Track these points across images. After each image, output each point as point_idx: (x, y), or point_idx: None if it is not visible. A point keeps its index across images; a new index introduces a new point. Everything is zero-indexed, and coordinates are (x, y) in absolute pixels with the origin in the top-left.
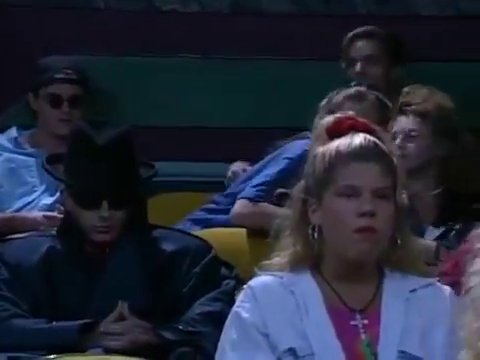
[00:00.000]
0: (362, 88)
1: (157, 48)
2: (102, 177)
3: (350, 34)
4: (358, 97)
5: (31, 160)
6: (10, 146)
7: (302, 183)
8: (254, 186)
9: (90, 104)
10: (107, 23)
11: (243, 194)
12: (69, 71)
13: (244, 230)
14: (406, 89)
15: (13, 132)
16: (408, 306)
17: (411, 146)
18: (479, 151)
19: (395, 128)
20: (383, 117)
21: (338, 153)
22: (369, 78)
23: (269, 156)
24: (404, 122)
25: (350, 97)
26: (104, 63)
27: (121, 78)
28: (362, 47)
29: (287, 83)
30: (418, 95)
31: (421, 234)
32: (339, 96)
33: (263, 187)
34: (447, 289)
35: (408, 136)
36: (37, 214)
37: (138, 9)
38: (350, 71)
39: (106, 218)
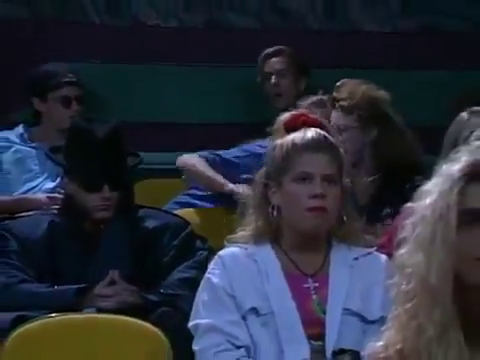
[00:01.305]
0: (324, 96)
1: (142, 56)
2: (103, 165)
3: (263, 53)
4: (319, 104)
5: (34, 151)
6: (17, 140)
7: (263, 169)
8: (215, 154)
9: (85, 103)
10: (101, 35)
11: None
12: (71, 75)
13: (217, 209)
14: (338, 83)
15: (20, 129)
16: (352, 271)
17: (342, 137)
18: (408, 131)
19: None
20: None
21: (294, 145)
22: (282, 88)
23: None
24: (334, 117)
25: (313, 103)
26: (97, 69)
27: (112, 81)
28: (275, 63)
29: (251, 86)
30: (345, 90)
31: (359, 214)
32: (305, 103)
33: (221, 157)
34: (383, 257)
35: (339, 129)
36: (41, 196)
37: (127, 24)
38: (266, 84)
39: (108, 198)
